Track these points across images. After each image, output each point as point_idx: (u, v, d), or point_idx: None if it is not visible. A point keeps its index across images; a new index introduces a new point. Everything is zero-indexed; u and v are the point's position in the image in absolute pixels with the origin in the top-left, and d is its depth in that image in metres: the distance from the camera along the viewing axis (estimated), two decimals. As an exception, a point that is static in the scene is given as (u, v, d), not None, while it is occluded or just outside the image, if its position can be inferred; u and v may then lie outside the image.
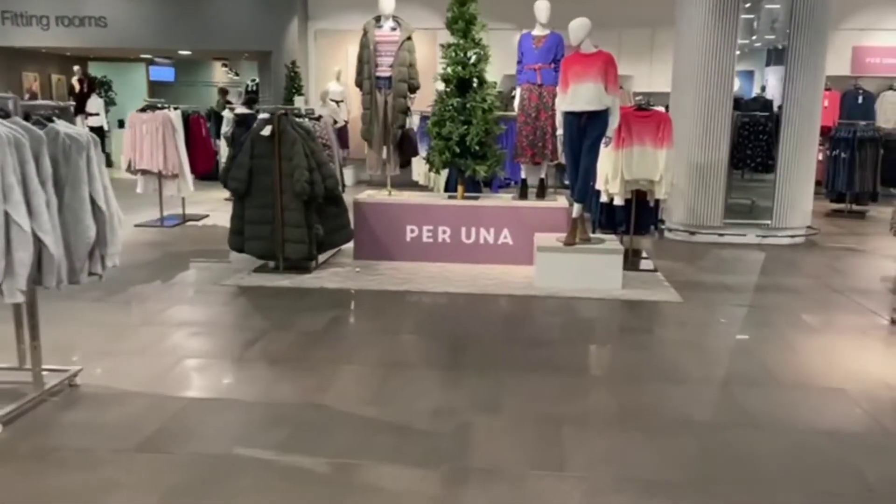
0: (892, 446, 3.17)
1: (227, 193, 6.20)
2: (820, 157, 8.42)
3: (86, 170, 3.27)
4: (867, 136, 9.59)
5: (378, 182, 6.96)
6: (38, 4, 12.90)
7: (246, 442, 3.06)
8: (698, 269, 6.59)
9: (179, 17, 12.87)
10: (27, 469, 2.83)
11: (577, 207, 5.75)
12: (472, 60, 6.29)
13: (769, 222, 7.77)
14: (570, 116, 5.58)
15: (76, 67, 14.70)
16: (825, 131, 9.27)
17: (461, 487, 2.74)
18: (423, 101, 7.46)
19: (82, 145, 3.26)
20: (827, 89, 9.14)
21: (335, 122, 11.44)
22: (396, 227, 6.43)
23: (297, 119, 6.12)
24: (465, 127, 6.20)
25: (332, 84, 12.16)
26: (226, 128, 10.23)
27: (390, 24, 6.47)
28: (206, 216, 8.80)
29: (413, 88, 6.58)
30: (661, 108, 7.14)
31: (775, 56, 9.98)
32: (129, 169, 8.06)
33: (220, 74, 18.56)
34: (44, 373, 3.46)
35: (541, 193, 6.65)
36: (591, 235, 6.00)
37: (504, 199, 6.68)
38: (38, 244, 3.04)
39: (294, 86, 12.36)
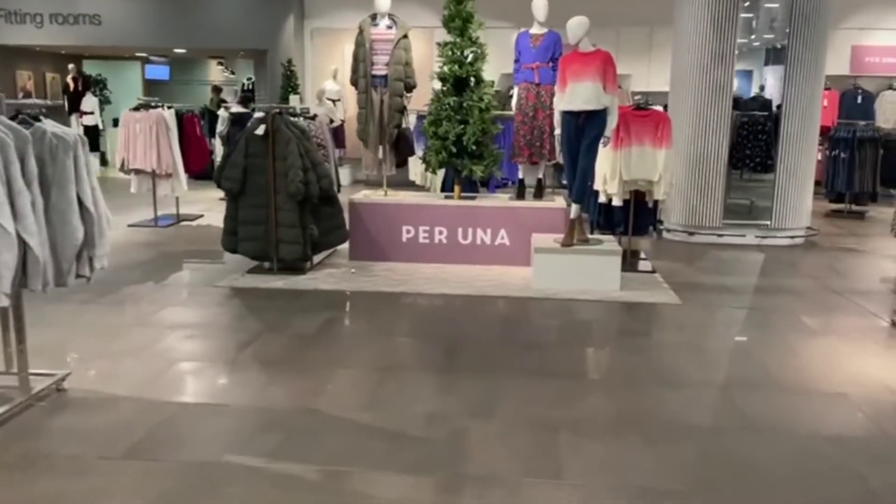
0: (894, 452, 3.11)
1: (221, 193, 6.13)
2: (819, 157, 8.37)
3: (73, 170, 3.20)
4: (867, 136, 9.55)
5: (374, 182, 6.91)
6: (31, 2, 12.81)
7: (236, 448, 2.99)
8: (697, 270, 6.53)
9: (174, 15, 12.79)
10: (12, 477, 2.76)
11: (574, 208, 5.69)
12: (469, 59, 6.23)
13: (768, 223, 7.71)
14: (568, 116, 5.52)
15: (71, 66, 14.59)
16: (824, 131, 9.22)
17: (455, 496, 2.68)
18: (419, 100, 7.40)
19: (69, 145, 3.19)
20: (826, 89, 9.09)
21: (331, 121, 11.39)
22: (392, 228, 6.37)
23: (292, 118, 6.06)
24: (462, 126, 6.14)
25: (328, 83, 12.09)
26: (221, 127, 10.16)
27: (386, 22, 6.40)
28: (201, 216, 8.73)
29: (409, 87, 6.51)
30: (660, 108, 7.08)
31: (774, 55, 9.94)
32: (122, 168, 7.98)
33: (215, 73, 18.47)
34: (31, 377, 3.39)
35: (538, 193, 6.58)
36: (589, 236, 5.95)
37: (501, 200, 6.61)
38: (24, 246, 2.97)
39: (290, 84, 12.29)
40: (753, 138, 9.29)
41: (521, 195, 6.55)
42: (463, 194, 6.54)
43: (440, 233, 6.34)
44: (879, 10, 11.96)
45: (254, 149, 5.73)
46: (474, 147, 6.18)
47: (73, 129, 3.33)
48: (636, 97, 7.63)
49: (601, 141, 5.55)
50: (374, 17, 6.43)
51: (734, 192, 8.54)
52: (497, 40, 8.69)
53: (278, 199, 5.69)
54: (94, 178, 3.33)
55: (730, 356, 4.34)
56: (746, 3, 7.73)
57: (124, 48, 14.35)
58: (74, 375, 3.63)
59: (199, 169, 8.77)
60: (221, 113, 10.43)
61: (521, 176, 6.63)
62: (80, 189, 3.23)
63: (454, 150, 6.20)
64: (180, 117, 8.32)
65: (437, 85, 6.37)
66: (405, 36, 6.39)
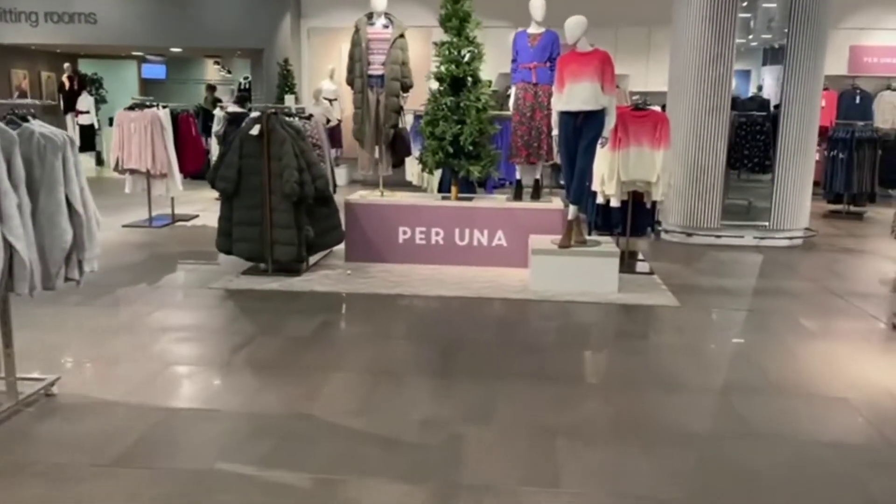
0: (895, 458, 3.07)
1: (217, 193, 6.08)
2: (817, 158, 8.33)
3: (62, 171, 3.14)
4: (865, 137, 9.51)
5: (371, 182, 6.86)
6: (27, 0, 12.73)
7: (228, 455, 2.94)
8: (695, 271, 6.49)
9: (170, 14, 12.72)
10: (-3, 485, 2.71)
11: (572, 209, 5.64)
12: (467, 59, 6.17)
13: (767, 224, 7.67)
14: (565, 116, 5.47)
15: (66, 65, 14.52)
16: (822, 131, 9.19)
17: (451, 504, 2.63)
18: (416, 100, 7.34)
19: (58, 146, 3.13)
20: (824, 89, 9.05)
21: (328, 120, 11.33)
22: (388, 229, 6.31)
23: (287, 118, 6.00)
24: (459, 126, 6.08)
25: (325, 82, 12.03)
26: (217, 126, 10.09)
27: (382, 21, 6.34)
28: (196, 216, 8.67)
29: (406, 87, 6.45)
30: (658, 108, 7.04)
31: (772, 55, 9.90)
32: (116, 168, 7.91)
33: (212, 72, 18.40)
34: (18, 382, 3.33)
35: (536, 194, 6.53)
36: (587, 238, 5.90)
37: (498, 201, 6.56)
38: (9, 249, 2.91)
39: (287, 84, 12.23)
40: (751, 139, 9.25)
41: (518, 196, 6.50)
42: (460, 195, 6.49)
43: (437, 234, 6.29)
44: (878, 10, 11.93)
45: (248, 149, 5.67)
46: (471, 147, 6.12)
47: (63, 130, 3.25)
48: (634, 97, 7.58)
49: (599, 141, 5.50)
50: (370, 16, 6.37)
51: (732, 193, 8.50)
52: (494, 40, 8.65)
53: (273, 199, 5.64)
54: (83, 179, 3.27)
55: (728, 360, 4.29)
56: (744, 3, 7.69)
57: (120, 47, 14.28)
58: (64, 380, 3.57)
59: (195, 169, 8.70)
60: (217, 112, 10.35)
61: (518, 176, 6.58)
62: (69, 191, 3.17)
63: (451, 150, 6.14)
64: (175, 117, 8.26)
65: (434, 85, 6.32)
66: (401, 35, 6.34)
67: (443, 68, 6.16)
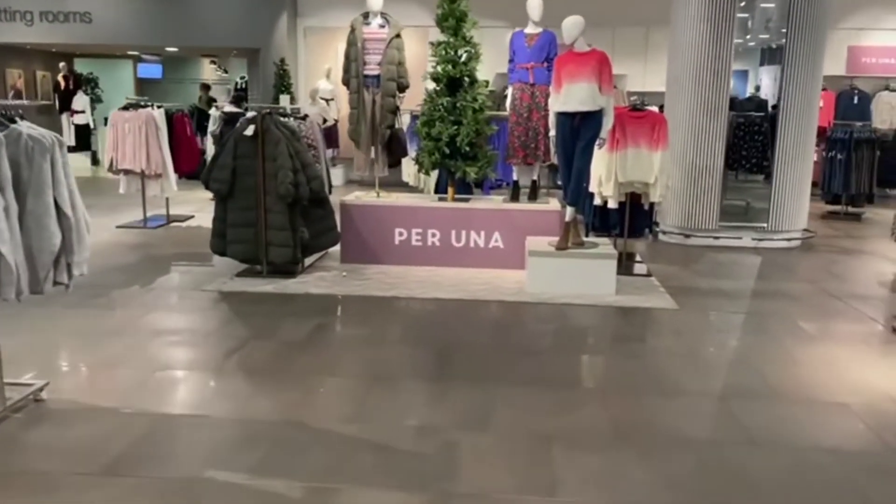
0: (897, 466, 3.03)
1: (211, 194, 6.03)
2: (815, 159, 8.29)
3: (50, 173, 3.08)
4: (863, 137, 9.48)
5: (368, 182, 6.80)
6: (21, -1, 12.66)
7: (218, 463, 2.88)
8: (693, 273, 6.44)
9: (166, 13, 12.64)
10: (-18, 494, 2.65)
11: (569, 211, 5.59)
12: (463, 59, 6.12)
13: (765, 225, 7.63)
14: (563, 117, 5.43)
15: (62, 64, 14.44)
16: (820, 132, 9.15)
17: (445, 514, 2.58)
18: (412, 101, 7.29)
19: (46, 147, 3.08)
20: (822, 89, 9.02)
21: (325, 120, 11.28)
22: (384, 230, 6.26)
23: (282, 118, 5.94)
24: (456, 127, 6.03)
25: (321, 82, 11.97)
26: (213, 126, 10.03)
27: (378, 20, 6.29)
28: (192, 217, 8.61)
29: (402, 87, 6.40)
30: (655, 108, 7.00)
31: (769, 55, 9.87)
32: (110, 169, 7.85)
33: (209, 72, 18.32)
34: (6, 387, 3.28)
35: (533, 195, 6.49)
36: (585, 239, 5.85)
37: (495, 202, 6.52)
38: (-5, 254, 2.86)
39: (283, 84, 12.17)
40: (749, 139, 9.22)
41: (515, 197, 6.46)
42: (456, 196, 6.44)
43: (433, 235, 6.24)
44: (876, 10, 11.90)
45: (243, 150, 5.62)
46: (468, 148, 6.07)
47: (53, 131, 3.20)
48: (632, 98, 7.53)
49: (597, 142, 5.45)
50: (366, 15, 6.32)
51: (730, 193, 8.47)
52: (491, 40, 8.58)
53: (268, 200, 5.59)
54: (72, 181, 3.22)
55: (727, 364, 4.25)
56: (742, 3, 7.65)
57: (116, 46, 14.19)
58: (54, 384, 3.51)
59: (190, 169, 8.64)
60: (214, 112, 10.29)
61: (515, 177, 6.54)
62: (58, 193, 3.11)
63: (447, 151, 6.09)
64: (170, 117, 8.19)
65: (431, 85, 6.26)
66: (398, 35, 6.28)
67: (439, 68, 6.11)
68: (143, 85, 16.84)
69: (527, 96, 6.07)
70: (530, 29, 6.09)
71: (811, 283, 6.16)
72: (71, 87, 14.35)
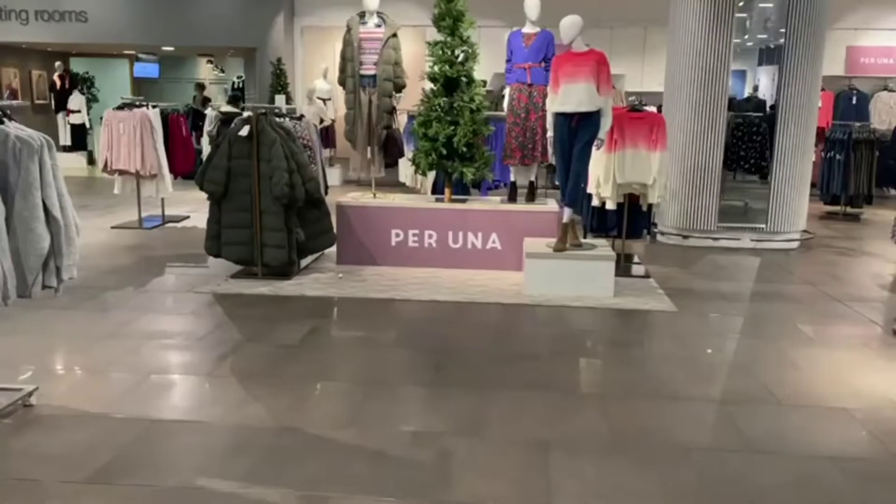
0: (900, 473, 2.98)
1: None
2: (813, 159, 8.26)
3: (38, 175, 3.03)
4: (862, 138, 9.44)
5: (366, 182, 6.75)
6: (16, -2, 12.60)
7: (208, 471, 2.83)
8: (692, 275, 6.40)
9: (162, 12, 12.58)
10: (-32, 503, 2.60)
11: (567, 212, 5.55)
12: (460, 59, 6.07)
13: (764, 226, 7.59)
14: (560, 118, 5.38)
15: (58, 63, 14.37)
16: (819, 132, 9.12)
17: (440, 523, 2.53)
18: (409, 101, 7.24)
19: (34, 149, 3.02)
20: (821, 90, 8.98)
21: (322, 120, 11.22)
22: (381, 231, 6.21)
23: (278, 119, 5.89)
24: (453, 128, 5.98)
25: (318, 82, 11.92)
26: (210, 126, 9.95)
27: (375, 20, 6.24)
28: (187, 217, 8.55)
29: (399, 87, 6.35)
30: (654, 109, 6.95)
31: (767, 55, 9.83)
32: (105, 169, 7.79)
33: (206, 71, 18.26)
34: (-5, 393, 3.22)
35: (530, 196, 6.44)
36: (583, 241, 5.81)
37: (493, 203, 6.47)
38: (-18, 257, 2.80)
39: (280, 83, 12.11)
40: (748, 140, 9.18)
41: (512, 198, 6.41)
42: (454, 197, 6.39)
43: (430, 236, 6.19)
44: (874, 10, 11.87)
45: (237, 150, 5.56)
46: (465, 149, 6.02)
47: (39, 133, 3.14)
48: (630, 98, 7.49)
49: (595, 143, 5.41)
50: (362, 15, 6.27)
51: (728, 194, 8.43)
52: (489, 39, 8.55)
53: (263, 202, 5.53)
54: (61, 183, 3.16)
55: (727, 368, 4.20)
56: (740, 3, 7.60)
57: (112, 45, 14.13)
58: (44, 389, 3.45)
59: (186, 169, 8.58)
60: (210, 112, 10.22)
61: (512, 178, 6.49)
62: (46, 195, 3.06)
63: (444, 151, 6.04)
64: (165, 117, 8.13)
65: (428, 85, 6.21)
66: (394, 35, 6.24)
67: (436, 68, 6.06)
68: (139, 84, 16.77)
69: (524, 97, 6.02)
70: (528, 28, 6.05)
71: (810, 284, 6.12)
72: (67, 86, 14.30)
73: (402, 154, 6.85)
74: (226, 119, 8.77)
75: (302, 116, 6.67)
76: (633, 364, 4.22)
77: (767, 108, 9.53)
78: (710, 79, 7.37)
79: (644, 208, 6.42)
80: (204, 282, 5.65)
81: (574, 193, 5.50)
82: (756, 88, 10.58)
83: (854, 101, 11.71)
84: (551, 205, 6.32)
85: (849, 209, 9.76)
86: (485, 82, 6.44)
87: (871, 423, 3.40)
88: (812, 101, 7.54)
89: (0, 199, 2.91)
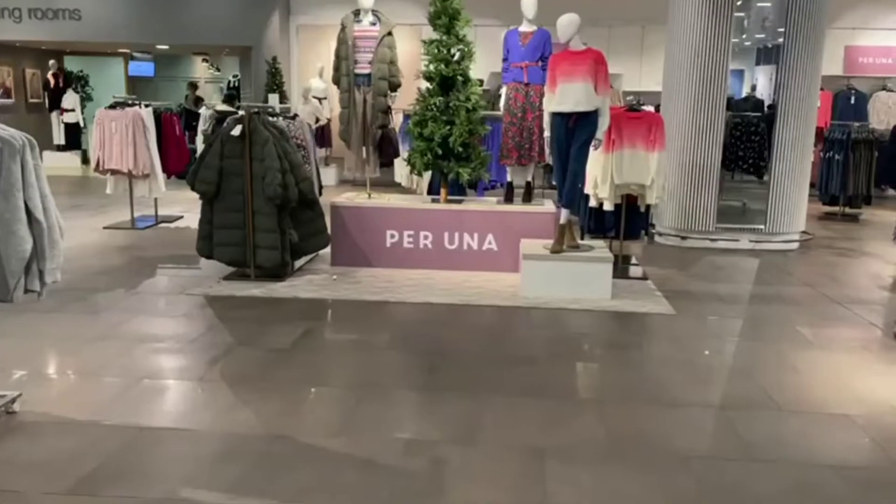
0: (903, 481, 2.92)
1: (199, 194, 5.91)
2: (812, 159, 8.20)
3: (20, 176, 2.95)
4: (861, 138, 9.39)
5: (361, 182, 6.68)
6: (9, -4, 12.49)
7: (194, 481, 2.75)
8: (690, 276, 6.33)
9: (157, 10, 12.49)
10: (-55, 514, 2.52)
11: (564, 213, 5.48)
12: (456, 57, 5.99)
13: (762, 227, 7.53)
14: (558, 118, 5.31)
15: (51, 62, 14.26)
16: (817, 132, 9.06)
17: (433, 535, 2.46)
18: (405, 100, 7.16)
19: (16, 149, 2.94)
20: (820, 89, 8.92)
21: (317, 119, 11.14)
22: (375, 233, 6.13)
23: (271, 118, 5.81)
24: (448, 127, 5.91)
25: (314, 80, 11.84)
26: (204, 125, 9.86)
27: (370, 18, 6.16)
28: (181, 217, 8.47)
29: (394, 86, 6.28)
30: (652, 108, 6.89)
31: (765, 55, 9.77)
32: (97, 168, 7.70)
33: (201, 70, 18.14)
34: (-23, 399, 3.14)
35: (527, 196, 6.37)
36: (580, 242, 5.74)
37: (489, 203, 6.39)
38: (-39, 261, 2.72)
39: (275, 82, 12.03)
40: (746, 139, 9.12)
41: (509, 198, 6.34)
42: (449, 197, 6.32)
43: (425, 237, 6.11)
44: (872, 10, 11.83)
45: (230, 150, 5.48)
46: (461, 149, 5.95)
47: (21, 132, 3.06)
48: (628, 97, 7.43)
49: (592, 143, 5.34)
50: (357, 13, 6.19)
51: (726, 194, 8.36)
52: (485, 38, 8.48)
53: (255, 202, 5.45)
54: (44, 184, 3.08)
55: (726, 372, 4.13)
56: (739, 2, 7.54)
57: (106, 44, 14.02)
58: (28, 395, 3.37)
59: (179, 169, 8.49)
60: (204, 111, 10.13)
61: (509, 178, 6.42)
62: (28, 196, 2.98)
63: (440, 151, 5.97)
64: (158, 116, 8.04)
65: (423, 84, 6.14)
66: (389, 33, 6.16)
67: (432, 67, 5.98)
68: (134, 83, 16.65)
69: (521, 96, 5.95)
70: (525, 27, 5.98)
71: (809, 286, 6.06)
72: (61, 85, 14.18)
73: (397, 154, 6.77)
74: (221, 118, 8.71)
75: (296, 116, 6.59)
76: (631, 368, 4.15)
77: (765, 108, 9.46)
78: (708, 78, 7.31)
79: (642, 209, 6.35)
80: (196, 283, 5.57)
81: (571, 194, 5.43)
82: (754, 88, 10.53)
83: (852, 101, 11.67)
84: (548, 206, 6.24)
85: (847, 210, 9.71)
86: (481, 81, 6.37)
87: (873, 429, 3.33)
88: (811, 98, 7.48)
89: (-20, 200, 2.83)
